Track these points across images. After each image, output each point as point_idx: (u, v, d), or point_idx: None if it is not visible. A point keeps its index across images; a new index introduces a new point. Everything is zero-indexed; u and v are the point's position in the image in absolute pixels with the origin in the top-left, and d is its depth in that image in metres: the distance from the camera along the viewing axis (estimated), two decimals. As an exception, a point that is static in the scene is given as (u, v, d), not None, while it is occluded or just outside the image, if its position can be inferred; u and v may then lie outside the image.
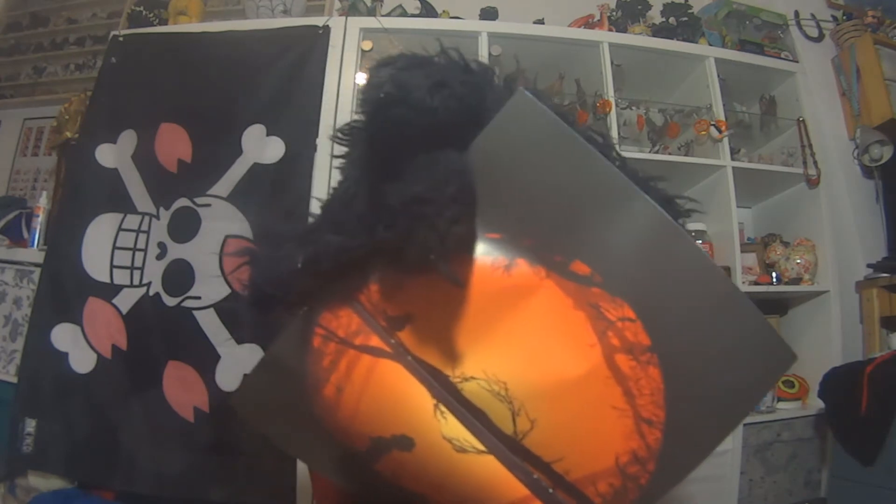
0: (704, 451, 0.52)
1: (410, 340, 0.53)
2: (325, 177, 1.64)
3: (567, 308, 0.50)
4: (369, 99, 0.54)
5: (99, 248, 1.67)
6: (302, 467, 1.45)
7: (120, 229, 1.69)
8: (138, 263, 1.66)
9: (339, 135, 0.62)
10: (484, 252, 0.52)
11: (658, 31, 2.07)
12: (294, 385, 0.57)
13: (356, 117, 0.60)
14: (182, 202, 1.67)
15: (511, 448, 0.50)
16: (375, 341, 0.53)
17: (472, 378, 0.51)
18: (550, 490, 0.50)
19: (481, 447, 0.51)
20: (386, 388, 0.53)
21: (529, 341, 0.51)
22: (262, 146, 1.68)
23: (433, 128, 0.52)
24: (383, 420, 0.53)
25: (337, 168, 0.63)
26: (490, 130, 0.52)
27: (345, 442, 0.55)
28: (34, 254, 1.79)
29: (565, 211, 0.52)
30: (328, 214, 0.60)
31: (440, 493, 0.53)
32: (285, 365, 0.58)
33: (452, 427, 0.51)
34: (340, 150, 0.64)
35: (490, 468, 0.51)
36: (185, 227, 1.65)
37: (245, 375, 0.59)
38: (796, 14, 2.23)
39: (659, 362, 0.49)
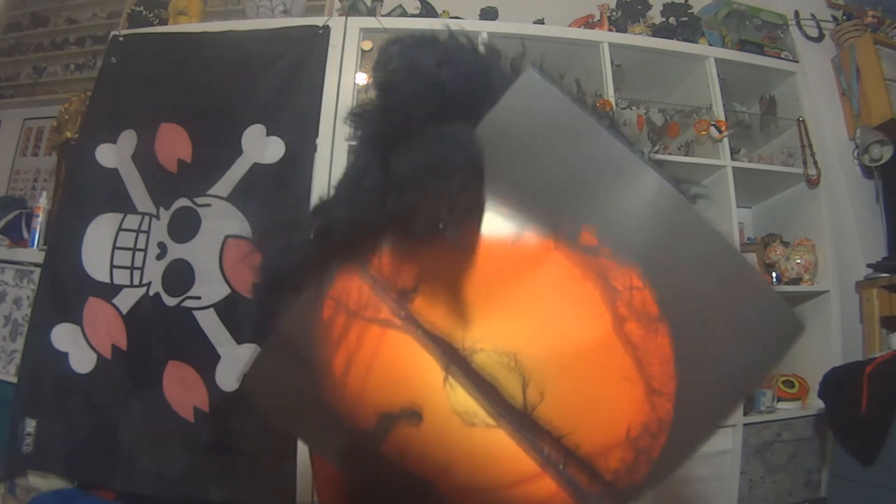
0: (715, 422, 0.52)
1: (420, 312, 0.53)
2: (325, 177, 1.64)
3: (575, 278, 0.51)
4: (379, 74, 0.55)
5: (99, 248, 1.67)
6: (302, 466, 1.45)
7: (120, 229, 1.69)
8: (138, 263, 1.66)
9: (352, 116, 0.63)
10: (492, 224, 0.52)
11: (658, 31, 2.07)
12: (303, 361, 0.56)
13: (370, 96, 0.60)
14: (182, 202, 1.67)
15: (521, 421, 0.50)
16: (385, 313, 0.53)
17: (482, 349, 0.51)
18: (561, 466, 0.50)
19: (490, 421, 0.50)
20: (395, 360, 0.53)
21: (539, 311, 0.51)
22: (262, 146, 1.68)
23: (442, 103, 0.53)
24: (392, 393, 0.53)
25: (351, 151, 0.64)
26: (499, 108, 0.53)
27: (351, 422, 0.55)
28: (34, 254, 1.79)
29: (573, 185, 0.52)
30: (340, 191, 0.61)
31: (447, 473, 0.52)
32: (295, 339, 0.57)
33: (461, 399, 0.51)
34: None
35: (499, 443, 0.50)
36: (185, 227, 1.65)
37: (254, 356, 0.59)
38: (796, 14, 2.23)
39: (668, 331, 0.49)
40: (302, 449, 1.46)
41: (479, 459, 0.51)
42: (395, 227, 0.52)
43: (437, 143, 0.51)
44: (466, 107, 0.53)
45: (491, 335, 0.51)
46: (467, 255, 0.52)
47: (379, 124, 0.58)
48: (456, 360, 0.51)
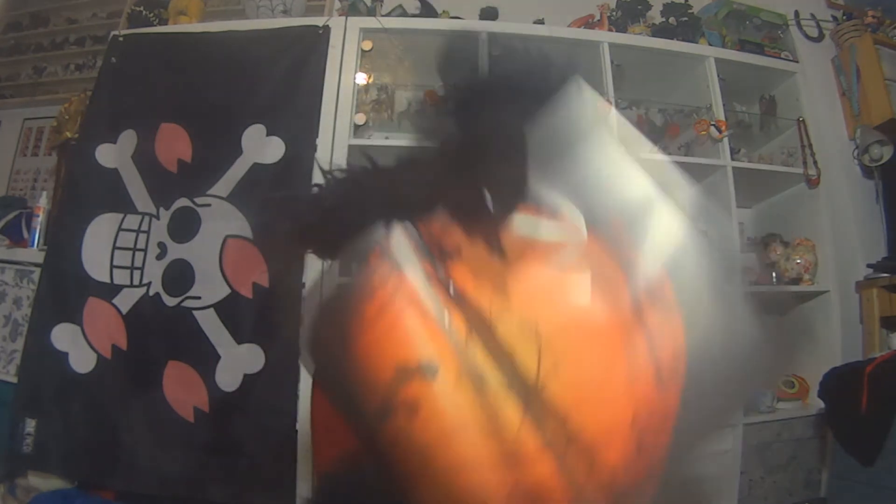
0: (714, 427, 0.56)
1: (456, 274, 0.57)
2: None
3: (603, 261, 0.55)
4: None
5: (99, 248, 1.67)
6: (302, 463, 1.45)
7: (120, 229, 1.69)
8: (138, 263, 1.66)
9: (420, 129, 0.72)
10: (531, 203, 0.57)
11: (658, 31, 2.07)
12: (348, 297, 0.60)
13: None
14: (182, 202, 1.67)
15: (529, 396, 0.53)
16: (425, 269, 0.57)
17: (507, 315, 0.54)
18: (562, 452, 0.52)
19: (501, 390, 0.53)
20: (424, 315, 0.56)
21: (566, 286, 0.55)
22: (262, 146, 1.68)
23: (496, 90, 0.62)
24: (414, 346, 0.56)
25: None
26: (548, 111, 0.59)
27: (368, 372, 0.58)
28: (34, 254, 1.79)
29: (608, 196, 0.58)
30: (402, 157, 0.68)
31: (448, 443, 0.54)
32: (348, 274, 0.61)
33: (478, 364, 0.54)
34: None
35: (505, 415, 0.53)
36: (185, 227, 1.65)
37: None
38: (796, 14, 2.23)
39: (682, 322, 0.53)
40: (302, 448, 1.46)
41: (483, 428, 0.53)
42: (446, 195, 0.57)
43: (488, 122, 0.58)
44: (516, 100, 0.60)
45: (518, 303, 0.55)
46: (505, 226, 0.57)
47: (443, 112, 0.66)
48: (480, 325, 0.54)
